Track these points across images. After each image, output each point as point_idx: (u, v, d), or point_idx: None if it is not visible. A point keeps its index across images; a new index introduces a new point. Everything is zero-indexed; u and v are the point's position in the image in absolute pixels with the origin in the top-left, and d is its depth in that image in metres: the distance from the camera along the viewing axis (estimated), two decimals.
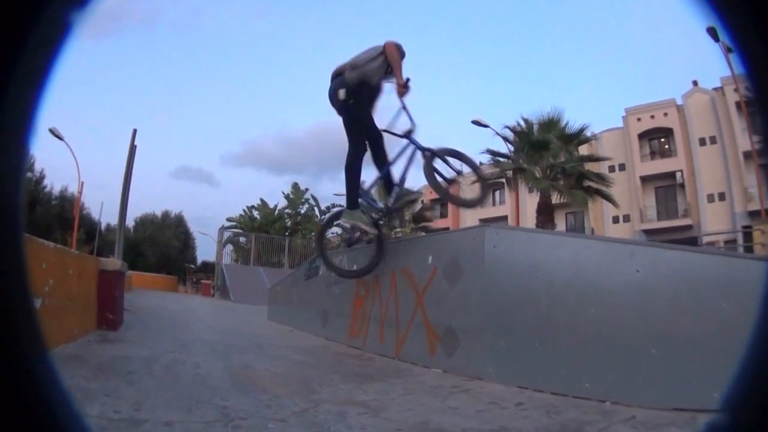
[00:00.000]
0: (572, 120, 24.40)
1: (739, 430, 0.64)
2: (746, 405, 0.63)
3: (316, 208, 34.73)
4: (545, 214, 23.73)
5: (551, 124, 23.54)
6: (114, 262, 5.87)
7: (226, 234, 29.33)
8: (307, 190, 35.83)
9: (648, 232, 34.31)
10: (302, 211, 35.10)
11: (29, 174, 38.10)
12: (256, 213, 35.94)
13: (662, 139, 36.44)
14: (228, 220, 36.28)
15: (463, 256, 4.22)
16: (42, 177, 40.66)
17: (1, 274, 0.70)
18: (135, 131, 11.40)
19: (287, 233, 32.02)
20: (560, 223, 33.83)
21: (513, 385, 3.35)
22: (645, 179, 35.92)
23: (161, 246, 50.33)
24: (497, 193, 41.69)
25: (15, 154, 0.70)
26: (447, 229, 30.83)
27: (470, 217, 40.68)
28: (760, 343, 0.65)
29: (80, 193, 32.39)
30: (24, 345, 0.70)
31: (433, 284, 4.32)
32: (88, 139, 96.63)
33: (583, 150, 26.69)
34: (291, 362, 4.62)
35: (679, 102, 35.30)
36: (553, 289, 3.45)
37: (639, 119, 36.48)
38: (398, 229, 31.94)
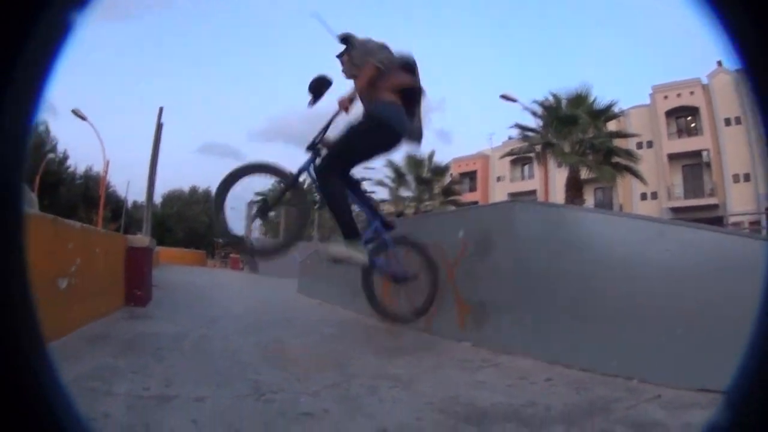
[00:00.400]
0: (600, 96, 24.11)
1: (739, 428, 0.64)
2: (747, 403, 0.64)
3: None
4: (574, 189, 23.64)
5: (579, 99, 23.30)
6: (142, 239, 5.95)
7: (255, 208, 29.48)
8: None
9: (675, 210, 33.86)
10: None
11: (52, 155, 38.42)
12: None
13: (689, 118, 35.76)
14: (257, 194, 36.48)
15: (492, 230, 4.23)
16: (65, 157, 41.21)
17: None
18: (161, 109, 11.63)
19: (317, 207, 32.17)
20: (589, 199, 33.56)
21: (542, 360, 3.36)
22: (672, 157, 35.35)
23: (189, 221, 51.00)
24: (526, 168, 41.36)
25: (14, 154, 0.68)
26: (476, 203, 30.75)
27: (500, 192, 40.53)
28: (761, 339, 0.67)
29: (106, 171, 32.63)
30: (22, 341, 0.68)
31: (464, 258, 4.35)
32: (112, 121, 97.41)
33: (611, 126, 26.35)
34: (321, 336, 4.67)
35: (705, 81, 34.50)
36: (582, 265, 3.45)
37: (666, 97, 35.80)
38: (428, 203, 31.92)
